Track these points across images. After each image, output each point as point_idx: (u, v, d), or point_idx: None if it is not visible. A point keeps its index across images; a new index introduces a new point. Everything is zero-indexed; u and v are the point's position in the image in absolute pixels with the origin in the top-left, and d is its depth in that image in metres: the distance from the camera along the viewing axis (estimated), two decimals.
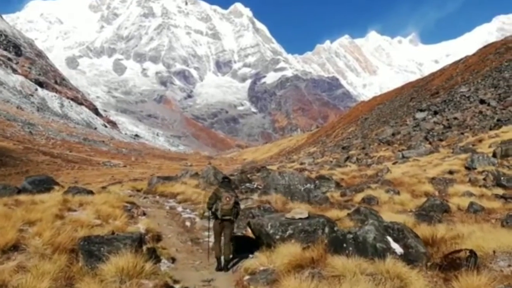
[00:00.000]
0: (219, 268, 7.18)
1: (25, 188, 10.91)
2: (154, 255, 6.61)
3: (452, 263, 4.63)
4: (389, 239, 5.31)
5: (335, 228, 6.47)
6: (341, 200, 11.43)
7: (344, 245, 5.46)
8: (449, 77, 65.90)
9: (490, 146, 17.22)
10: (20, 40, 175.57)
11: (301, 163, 36.44)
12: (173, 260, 7.44)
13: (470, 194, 10.32)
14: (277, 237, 6.62)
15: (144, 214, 10.02)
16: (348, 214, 7.78)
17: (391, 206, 9.86)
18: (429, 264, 5.06)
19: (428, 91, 64.49)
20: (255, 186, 13.74)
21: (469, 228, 6.17)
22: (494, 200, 9.67)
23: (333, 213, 8.44)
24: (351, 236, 5.46)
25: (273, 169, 28.36)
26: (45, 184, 10.82)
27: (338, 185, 13.88)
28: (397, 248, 5.19)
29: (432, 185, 12.28)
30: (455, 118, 33.28)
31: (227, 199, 7.37)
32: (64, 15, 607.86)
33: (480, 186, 11.34)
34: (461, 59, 76.93)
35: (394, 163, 19.30)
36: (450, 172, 14.00)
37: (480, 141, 19.83)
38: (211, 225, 7.87)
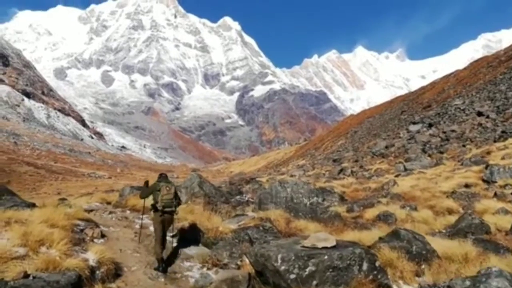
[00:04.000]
0: (158, 269, 6.63)
1: None
2: None
3: None
4: None
5: (377, 264, 4.64)
6: (348, 216, 9.73)
7: None
8: (440, 90, 65.38)
9: (503, 158, 15.78)
10: (8, 50, 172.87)
11: (292, 175, 35.08)
12: None
13: (506, 212, 8.72)
14: (292, 276, 4.62)
15: (103, 236, 7.55)
16: (381, 239, 5.86)
17: (414, 226, 8.12)
18: None
19: (419, 104, 63.81)
20: (246, 199, 11.91)
21: None
22: None
23: (351, 235, 6.66)
24: None
25: (262, 181, 26.82)
26: None
27: (342, 198, 12.20)
28: None
29: (453, 200, 10.68)
30: (453, 131, 32.12)
31: (167, 188, 7.07)
32: (53, 27, 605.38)
33: (510, 202, 9.77)
34: (452, 73, 76.74)
35: (396, 176, 17.77)
36: (467, 186, 12.47)
37: (489, 153, 18.43)
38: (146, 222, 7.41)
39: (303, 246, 5.09)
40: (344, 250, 4.85)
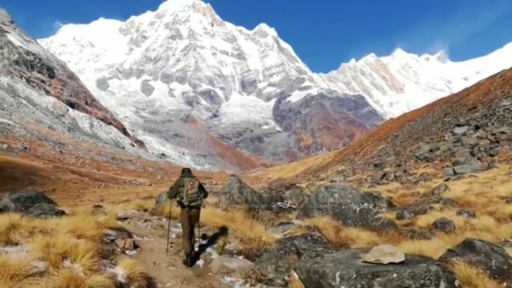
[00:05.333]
0: (187, 263, 6.68)
1: (7, 207, 8.55)
2: None
3: None
4: None
5: (457, 284, 3.90)
6: (398, 223, 9.00)
7: None
8: (486, 91, 62.74)
9: None
10: (53, 63, 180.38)
11: (332, 181, 34.30)
12: None
13: None
14: None
15: (136, 246, 6.88)
16: (450, 251, 4.98)
17: (476, 234, 7.31)
18: None
19: (464, 106, 61.46)
20: (288, 205, 11.36)
21: None
22: None
23: (410, 246, 5.90)
24: None
25: (302, 186, 26.29)
26: (33, 202, 8.69)
27: (390, 204, 11.45)
28: None
29: None
30: (503, 132, 30.48)
31: (191, 183, 7.04)
32: (96, 39, 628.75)
33: None
34: (498, 73, 73.49)
35: (446, 180, 16.79)
36: None
37: None
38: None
39: (365, 262, 4.34)
40: (416, 267, 4.04)
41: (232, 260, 6.47)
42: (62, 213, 7.73)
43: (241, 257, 6.77)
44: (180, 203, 7.02)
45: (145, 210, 10.29)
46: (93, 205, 11.91)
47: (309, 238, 6.21)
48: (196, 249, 7.42)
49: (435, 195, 12.64)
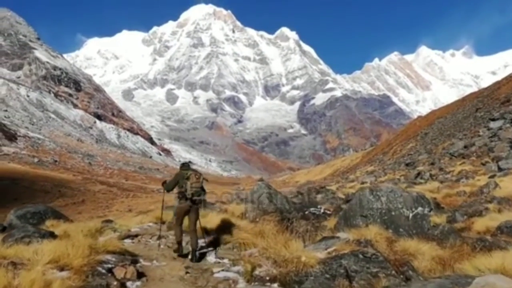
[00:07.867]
0: (180, 255, 6.59)
1: (12, 225, 7.63)
2: None
3: None
4: None
5: None
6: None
7: None
8: None
9: None
10: (80, 76, 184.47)
11: (363, 182, 33.10)
12: None
13: None
14: None
15: (140, 275, 5.23)
16: None
17: None
18: None
19: (496, 100, 59.14)
20: (322, 211, 10.31)
21: None
22: None
23: (490, 262, 4.42)
24: None
25: (332, 189, 25.35)
26: (41, 218, 7.78)
27: (437, 206, 10.27)
28: None
29: None
30: None
31: (196, 176, 6.75)
32: (120, 51, 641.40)
33: None
34: None
35: (491, 177, 15.49)
36: None
37: None
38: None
39: None
40: None
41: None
42: (50, 235, 6.32)
43: (275, 285, 5.04)
44: (181, 195, 6.69)
45: (163, 223, 9.28)
46: (103, 220, 11.01)
47: (360, 256, 4.87)
48: (203, 245, 7.02)
49: (484, 193, 11.44)
